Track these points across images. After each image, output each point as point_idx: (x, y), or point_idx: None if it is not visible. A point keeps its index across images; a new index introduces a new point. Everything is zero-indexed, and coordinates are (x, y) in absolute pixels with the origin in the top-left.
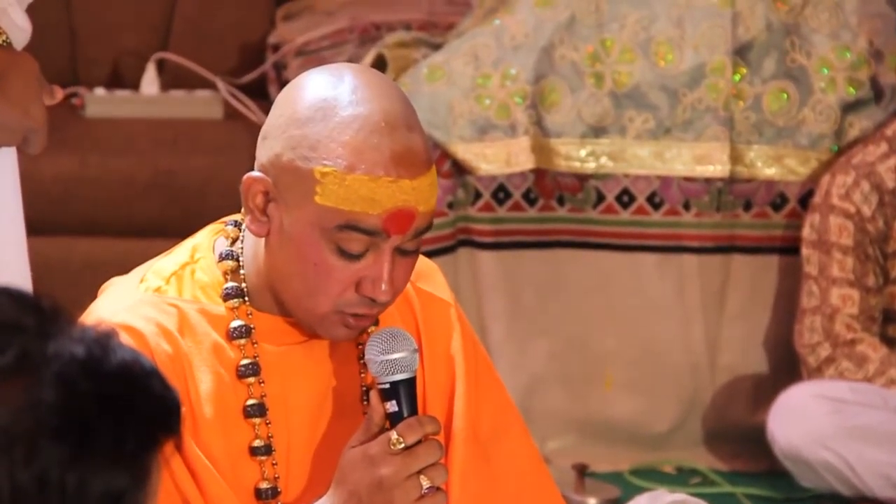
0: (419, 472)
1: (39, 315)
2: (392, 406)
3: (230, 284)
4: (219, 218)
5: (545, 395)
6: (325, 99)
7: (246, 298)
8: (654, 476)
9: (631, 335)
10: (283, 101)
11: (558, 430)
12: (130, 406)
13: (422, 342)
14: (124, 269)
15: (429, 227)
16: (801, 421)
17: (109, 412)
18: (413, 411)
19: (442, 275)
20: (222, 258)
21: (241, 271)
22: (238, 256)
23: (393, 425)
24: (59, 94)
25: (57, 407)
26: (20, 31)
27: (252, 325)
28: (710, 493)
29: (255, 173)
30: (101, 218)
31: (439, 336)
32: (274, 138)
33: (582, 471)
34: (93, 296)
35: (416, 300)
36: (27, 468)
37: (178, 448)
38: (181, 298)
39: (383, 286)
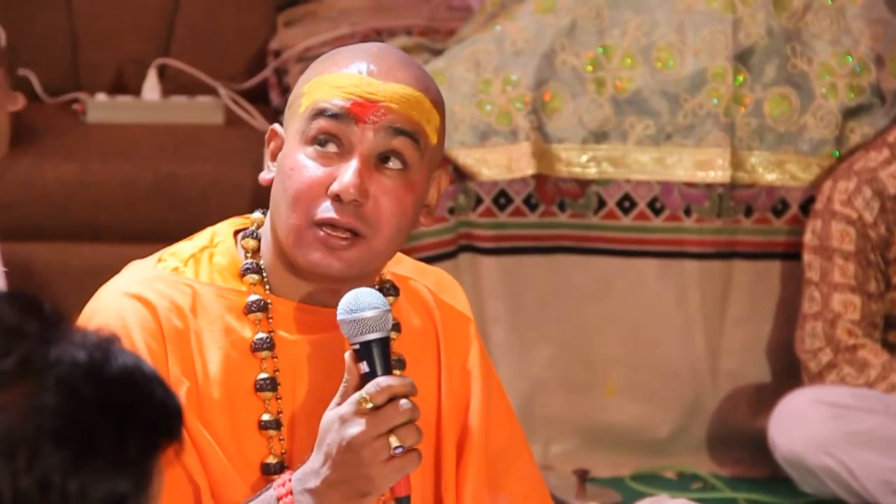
0: (390, 433)
1: (41, 320)
2: (364, 367)
3: (250, 261)
4: (219, 223)
5: (546, 400)
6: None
7: (264, 275)
8: (655, 481)
9: (632, 341)
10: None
11: (559, 435)
12: (132, 411)
13: (441, 353)
14: None
15: (414, 138)
16: (802, 426)
17: (111, 417)
18: (387, 372)
19: (464, 292)
20: (245, 236)
21: (261, 252)
22: (260, 237)
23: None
24: (22, 101)
25: (59, 412)
26: None
27: (269, 301)
28: (712, 498)
29: (278, 126)
30: (103, 223)
31: (458, 349)
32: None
33: (583, 476)
34: None
35: (437, 312)
36: (29, 473)
37: (179, 453)
38: (197, 280)
39: (347, 177)
